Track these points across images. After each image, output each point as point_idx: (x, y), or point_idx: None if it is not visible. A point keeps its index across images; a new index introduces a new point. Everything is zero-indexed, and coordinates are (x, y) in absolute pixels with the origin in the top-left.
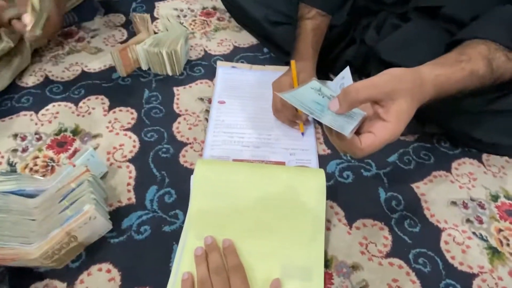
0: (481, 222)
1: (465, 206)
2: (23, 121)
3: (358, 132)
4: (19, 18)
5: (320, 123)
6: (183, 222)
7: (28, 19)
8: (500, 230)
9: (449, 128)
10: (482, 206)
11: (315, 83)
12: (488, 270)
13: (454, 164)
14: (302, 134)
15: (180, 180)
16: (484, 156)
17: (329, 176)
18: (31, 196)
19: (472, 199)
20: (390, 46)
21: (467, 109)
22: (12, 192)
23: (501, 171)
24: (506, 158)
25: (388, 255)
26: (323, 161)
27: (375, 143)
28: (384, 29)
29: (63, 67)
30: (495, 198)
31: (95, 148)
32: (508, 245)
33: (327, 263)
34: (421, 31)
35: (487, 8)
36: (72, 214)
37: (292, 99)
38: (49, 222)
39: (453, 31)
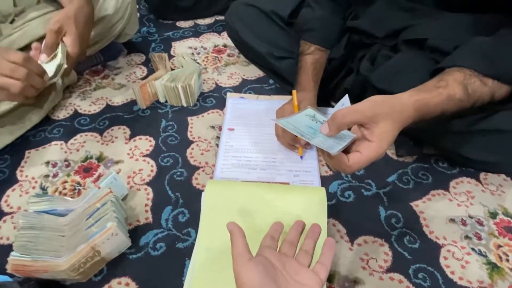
0: (480, 238)
1: (464, 223)
2: (54, 150)
3: (347, 151)
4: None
5: None
6: (195, 239)
7: (44, 59)
8: (499, 246)
9: (440, 147)
10: (480, 223)
11: (310, 110)
12: (487, 285)
13: (452, 183)
14: (301, 157)
15: (192, 200)
16: (482, 175)
17: (331, 196)
18: (61, 215)
19: (470, 216)
20: (382, 75)
21: (455, 129)
22: (46, 212)
23: (499, 189)
24: (504, 176)
25: (389, 270)
26: (325, 181)
27: (361, 160)
28: (377, 60)
29: (90, 102)
30: (493, 215)
31: (117, 173)
32: (507, 260)
33: (330, 278)
34: (410, 61)
35: (466, 39)
36: (97, 231)
37: (286, 124)
38: (77, 238)
39: (438, 60)
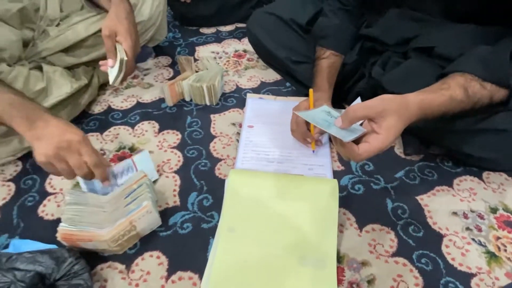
0: (480, 230)
1: (466, 216)
2: (91, 140)
3: (357, 142)
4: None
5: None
6: (218, 221)
7: (111, 63)
8: (498, 238)
9: (444, 145)
10: (481, 217)
11: (326, 107)
12: (485, 271)
13: (456, 181)
14: (313, 151)
15: (215, 188)
16: (485, 174)
17: (342, 188)
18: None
19: (472, 211)
20: (393, 79)
21: (458, 128)
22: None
23: (501, 187)
24: (506, 176)
25: (394, 254)
26: (337, 175)
27: (370, 149)
28: (388, 65)
29: (122, 99)
30: (494, 210)
31: None
32: (505, 250)
33: (340, 259)
34: (419, 67)
35: (470, 47)
36: (134, 208)
37: (305, 115)
38: (117, 213)
39: (444, 66)
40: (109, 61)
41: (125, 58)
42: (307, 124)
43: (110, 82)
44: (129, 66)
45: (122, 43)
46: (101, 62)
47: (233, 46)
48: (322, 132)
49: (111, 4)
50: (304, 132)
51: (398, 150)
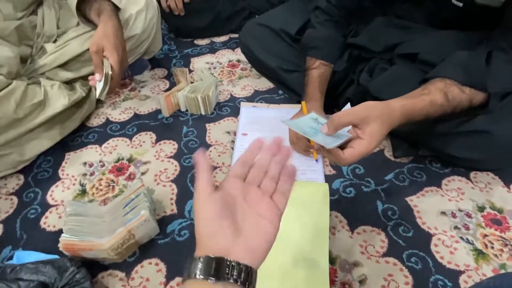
0: (468, 228)
1: (454, 215)
2: (90, 152)
3: (343, 147)
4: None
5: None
6: None
7: (98, 78)
8: (485, 236)
9: (430, 148)
10: (469, 216)
11: (313, 114)
12: (473, 268)
13: (444, 181)
14: (316, 161)
15: None
16: (472, 174)
17: (334, 192)
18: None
19: (460, 210)
20: (379, 85)
21: (442, 131)
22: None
23: (487, 186)
24: (492, 175)
25: (385, 254)
26: (329, 179)
27: (354, 154)
28: (375, 72)
29: (119, 111)
30: (481, 209)
31: (143, 173)
32: (492, 247)
33: (332, 261)
34: (403, 73)
35: (453, 52)
36: (132, 217)
37: (292, 124)
38: (116, 223)
39: (428, 71)
40: (97, 76)
41: (110, 72)
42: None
43: (97, 96)
44: (115, 80)
45: (108, 58)
46: (90, 77)
47: (227, 56)
48: None
49: (100, 21)
50: (305, 145)
51: (388, 153)
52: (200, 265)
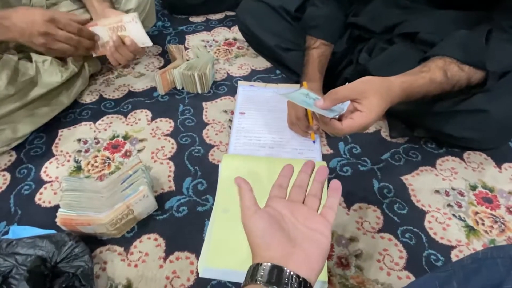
0: (460, 206)
1: (447, 194)
2: (84, 129)
3: (341, 119)
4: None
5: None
6: (212, 204)
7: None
8: (476, 213)
9: (427, 127)
10: (462, 194)
11: (304, 90)
12: (464, 244)
13: (438, 161)
14: (314, 142)
15: (209, 173)
16: (465, 154)
17: (331, 171)
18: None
19: (453, 189)
20: (378, 64)
21: (439, 110)
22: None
23: (480, 166)
24: (485, 156)
25: (380, 230)
26: (326, 158)
27: (353, 125)
28: (374, 51)
29: (113, 88)
30: (473, 188)
31: (140, 150)
32: (483, 224)
33: None
34: (403, 52)
35: (451, 32)
36: (131, 193)
37: (289, 96)
38: (114, 198)
39: (427, 51)
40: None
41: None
42: (306, 116)
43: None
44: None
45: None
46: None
47: (223, 34)
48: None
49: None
50: (304, 126)
51: (384, 133)
52: (262, 272)
